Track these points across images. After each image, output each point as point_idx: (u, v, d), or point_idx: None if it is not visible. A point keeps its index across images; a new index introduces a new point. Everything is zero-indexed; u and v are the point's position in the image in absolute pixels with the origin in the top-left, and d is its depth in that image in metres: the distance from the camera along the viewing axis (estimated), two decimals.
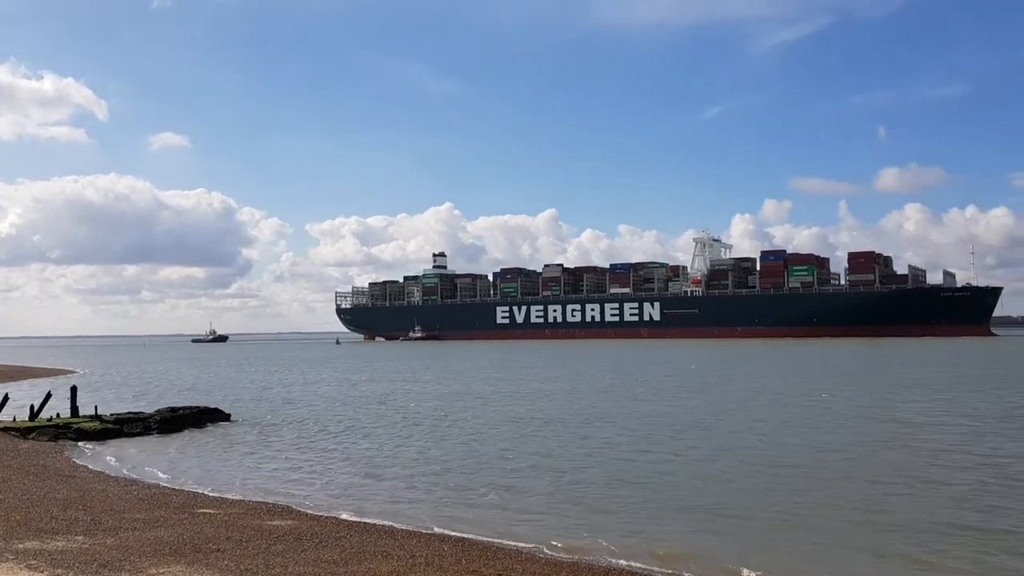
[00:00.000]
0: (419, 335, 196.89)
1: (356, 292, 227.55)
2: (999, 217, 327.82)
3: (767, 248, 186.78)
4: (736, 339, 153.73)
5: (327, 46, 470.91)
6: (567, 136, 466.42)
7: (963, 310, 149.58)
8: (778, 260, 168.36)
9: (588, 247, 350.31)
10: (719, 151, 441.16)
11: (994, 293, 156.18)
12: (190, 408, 34.79)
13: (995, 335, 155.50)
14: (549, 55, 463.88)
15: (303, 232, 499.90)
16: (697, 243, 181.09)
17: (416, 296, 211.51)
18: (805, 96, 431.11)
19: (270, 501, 19.05)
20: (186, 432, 31.31)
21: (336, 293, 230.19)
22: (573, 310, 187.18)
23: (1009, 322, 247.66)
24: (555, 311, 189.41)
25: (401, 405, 39.82)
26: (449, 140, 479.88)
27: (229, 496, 19.78)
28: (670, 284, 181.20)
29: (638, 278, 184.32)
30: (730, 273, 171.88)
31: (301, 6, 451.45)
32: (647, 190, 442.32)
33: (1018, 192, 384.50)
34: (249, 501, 19.11)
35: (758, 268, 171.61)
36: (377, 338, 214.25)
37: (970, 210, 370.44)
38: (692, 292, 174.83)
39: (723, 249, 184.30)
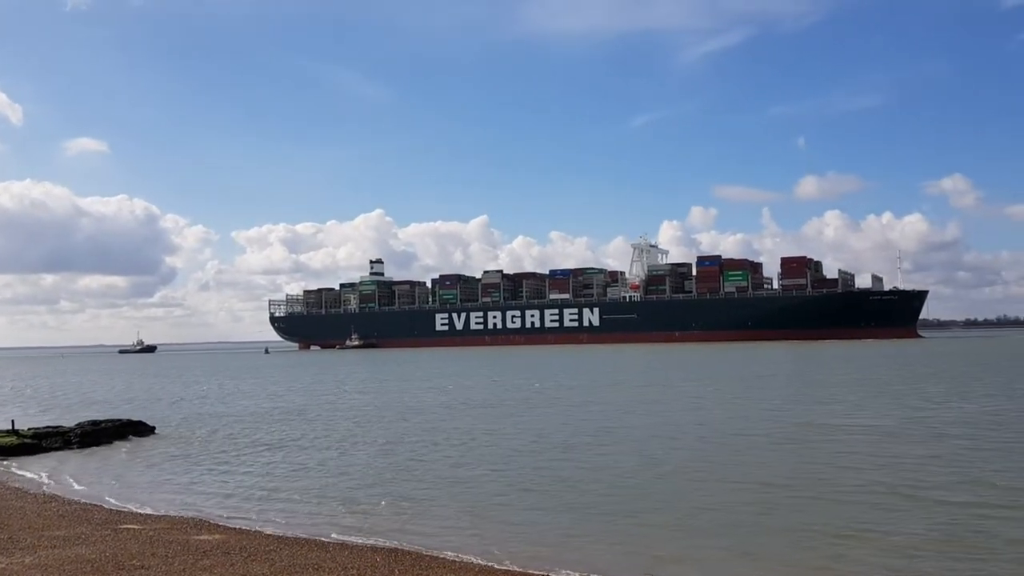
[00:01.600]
0: (356, 343, 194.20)
1: (290, 300, 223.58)
2: (913, 223, 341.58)
3: (695, 254, 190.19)
4: (673, 343, 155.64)
5: (253, 50, 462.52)
6: (498, 142, 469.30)
7: (891, 313, 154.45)
8: (713, 265, 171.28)
9: (520, 253, 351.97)
10: (647, 159, 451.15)
11: (920, 297, 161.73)
12: (112, 421, 33.30)
13: (922, 337, 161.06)
14: (480, 62, 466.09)
15: (229, 239, 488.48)
16: (635, 249, 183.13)
17: (353, 303, 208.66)
18: (729, 106, 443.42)
19: (196, 515, 18.46)
20: (108, 446, 30.07)
21: (270, 301, 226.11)
22: (513, 316, 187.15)
23: (933, 325, 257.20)
24: (495, 317, 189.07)
25: (323, 417, 38.78)
26: (379, 146, 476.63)
27: (153, 511, 19.15)
28: (609, 290, 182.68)
29: (577, 284, 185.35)
30: (667, 278, 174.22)
31: (225, 9, 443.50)
32: (578, 197, 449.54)
33: (931, 199, 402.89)
34: (174, 516, 18.49)
35: (694, 273, 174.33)
36: (313, 347, 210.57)
37: (886, 216, 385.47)
38: (630, 297, 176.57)
39: (660, 255, 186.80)
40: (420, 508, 18.45)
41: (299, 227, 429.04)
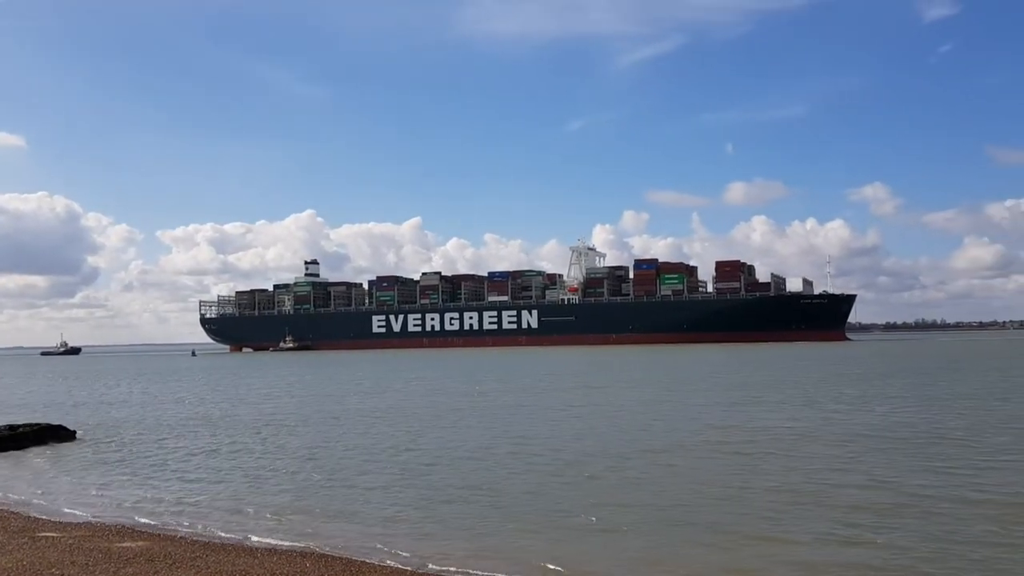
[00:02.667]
0: (291, 345, 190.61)
1: (222, 301, 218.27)
2: (836, 229, 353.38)
3: (627, 257, 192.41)
4: (611, 345, 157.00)
5: (180, 45, 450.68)
6: (432, 144, 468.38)
7: (821, 316, 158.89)
8: (650, 269, 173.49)
9: (454, 255, 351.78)
10: (581, 163, 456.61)
11: (848, 301, 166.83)
12: (31, 426, 31.51)
13: (850, 340, 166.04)
14: (414, 63, 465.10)
15: (154, 239, 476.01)
16: (573, 252, 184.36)
17: (287, 305, 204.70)
18: (661, 112, 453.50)
19: (118, 522, 17.62)
20: (26, 451, 28.51)
21: (200, 302, 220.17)
22: (451, 318, 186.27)
23: (856, 328, 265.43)
24: (433, 319, 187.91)
25: (246, 421, 37.56)
26: (312, 146, 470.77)
27: (73, 518, 18.19)
28: (547, 292, 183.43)
29: (516, 286, 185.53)
30: (605, 281, 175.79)
31: (153, 2, 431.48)
32: (512, 199, 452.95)
33: (853, 206, 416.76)
34: (96, 522, 17.60)
35: (632, 276, 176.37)
36: (245, 349, 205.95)
37: (810, 222, 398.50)
38: (569, 300, 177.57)
39: (598, 258, 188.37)
40: (346, 514, 17.92)
41: (227, 227, 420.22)
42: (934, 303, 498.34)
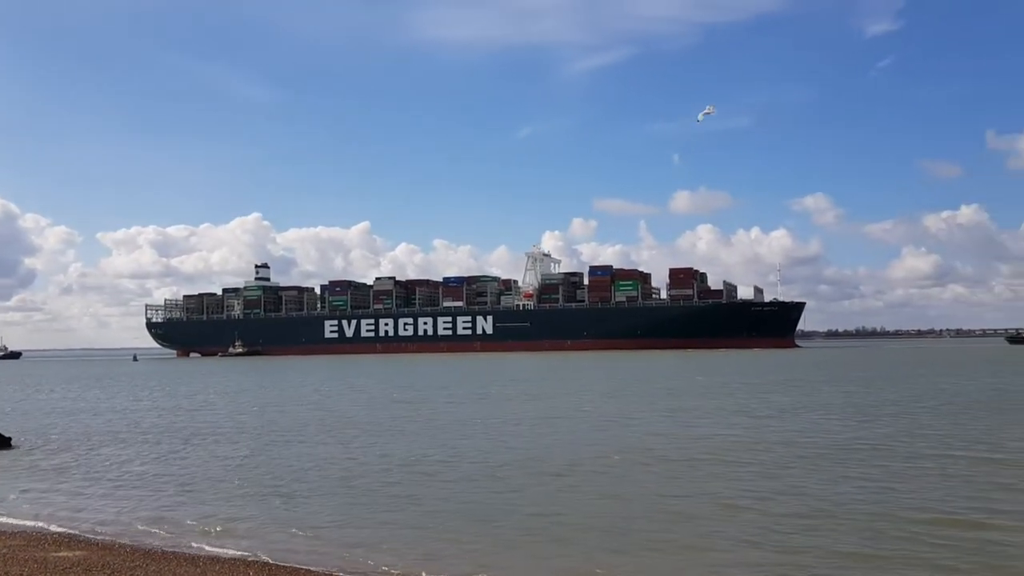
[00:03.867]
0: (240, 351, 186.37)
1: (169, 305, 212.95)
2: (779, 238, 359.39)
3: (575, 264, 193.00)
4: (566, 351, 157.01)
5: (123, 43, 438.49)
6: (382, 149, 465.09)
7: (772, 323, 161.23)
8: (605, 275, 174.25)
9: (403, 260, 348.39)
10: (531, 170, 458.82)
11: (798, 308, 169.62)
12: None
13: (799, 347, 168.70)
14: (364, 67, 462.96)
15: (94, 241, 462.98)
16: (528, 258, 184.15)
17: (237, 309, 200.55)
18: (609, 121, 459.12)
19: (55, 530, 16.98)
20: None
21: (147, 306, 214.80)
22: (405, 324, 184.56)
23: (798, 335, 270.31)
24: (387, 325, 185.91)
25: (187, 428, 36.27)
26: (258, 149, 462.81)
27: (8, 527, 17.39)
28: (502, 298, 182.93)
29: (471, 292, 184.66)
30: (560, 287, 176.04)
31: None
32: (462, 205, 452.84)
33: (795, 216, 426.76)
34: (31, 531, 16.93)
35: (586, 283, 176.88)
36: (192, 354, 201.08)
37: (755, 231, 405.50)
38: (524, 306, 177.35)
39: (552, 264, 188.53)
40: (285, 522, 17.41)
41: (171, 229, 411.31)
42: (874, 311, 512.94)
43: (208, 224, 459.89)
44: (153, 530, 16.97)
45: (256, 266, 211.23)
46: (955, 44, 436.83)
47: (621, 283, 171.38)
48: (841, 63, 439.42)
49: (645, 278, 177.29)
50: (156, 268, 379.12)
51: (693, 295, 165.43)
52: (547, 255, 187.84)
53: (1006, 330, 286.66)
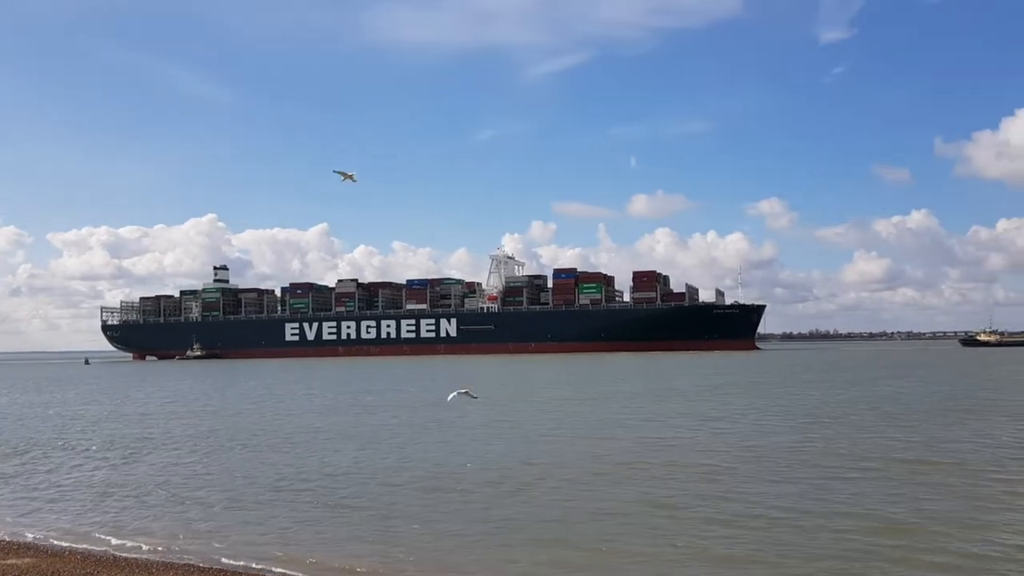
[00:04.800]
0: (198, 354, 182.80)
1: (125, 307, 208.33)
2: (735, 242, 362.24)
3: (535, 267, 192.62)
4: (530, 354, 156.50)
5: (73, 40, 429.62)
6: (340, 150, 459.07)
7: (733, 326, 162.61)
8: (570, 278, 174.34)
9: (362, 263, 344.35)
10: (491, 172, 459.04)
11: (758, 311, 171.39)
12: None
13: (760, 349, 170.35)
14: (322, 68, 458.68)
15: (44, 242, 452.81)
16: (492, 260, 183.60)
17: (195, 312, 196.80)
18: (569, 124, 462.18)
19: (2, 538, 16.38)
20: None
21: (102, 308, 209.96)
22: (368, 326, 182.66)
23: (758, 337, 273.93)
24: (349, 327, 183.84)
25: (133, 433, 35.10)
26: (214, 149, 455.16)
27: None
28: (466, 300, 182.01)
29: (435, 294, 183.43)
30: (524, 290, 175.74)
31: None
32: (422, 207, 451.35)
33: (751, 220, 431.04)
34: None
35: (550, 286, 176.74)
36: (149, 357, 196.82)
37: (711, 235, 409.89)
38: (488, 308, 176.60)
39: (516, 267, 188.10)
40: (229, 528, 17.09)
41: (123, 230, 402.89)
42: (827, 314, 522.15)
43: (162, 225, 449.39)
44: (102, 536, 16.48)
45: (215, 268, 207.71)
46: (905, 53, 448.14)
47: (585, 286, 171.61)
48: (797, 69, 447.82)
49: (609, 281, 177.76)
50: (108, 270, 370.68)
51: (656, 298, 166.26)
52: (511, 258, 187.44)
53: (955, 333, 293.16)
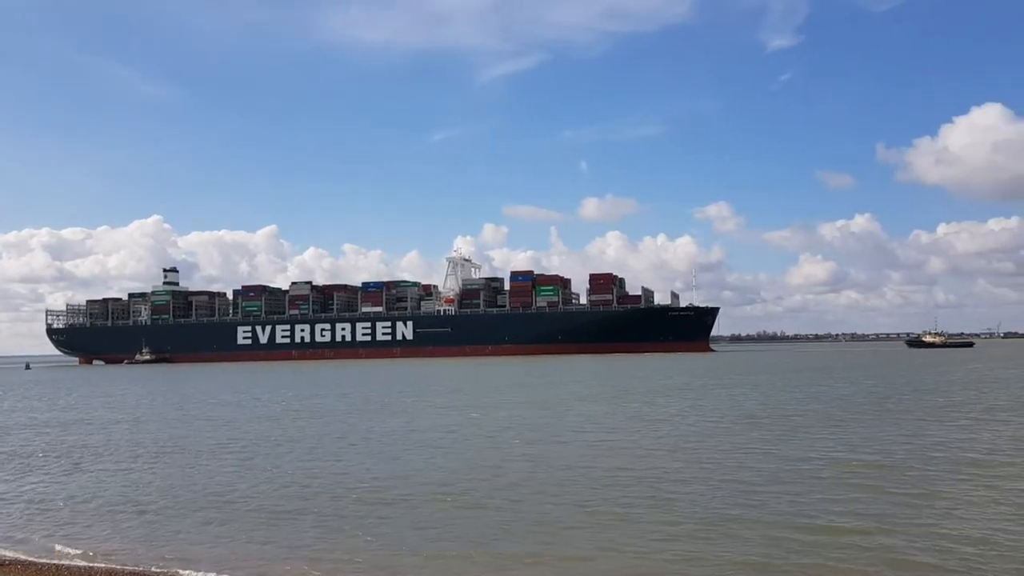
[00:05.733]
0: (148, 358, 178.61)
1: (71, 311, 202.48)
2: (684, 245, 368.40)
3: (487, 269, 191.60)
4: (486, 357, 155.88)
5: (10, 38, 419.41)
6: (290, 151, 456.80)
7: (688, 328, 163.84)
8: (527, 280, 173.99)
9: (312, 265, 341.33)
10: (443, 175, 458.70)
11: (712, 313, 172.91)
12: None
13: (713, 350, 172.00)
14: (273, 67, 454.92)
15: None
16: (449, 263, 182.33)
17: (144, 315, 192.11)
18: (521, 127, 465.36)
19: None
20: None
21: (47, 311, 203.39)
22: (322, 330, 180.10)
23: (715, 339, 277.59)
24: (303, 331, 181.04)
25: (70, 440, 33.81)
26: (159, 149, 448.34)
27: None
28: (423, 303, 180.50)
29: (391, 297, 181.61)
30: (481, 292, 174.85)
31: None
32: (373, 210, 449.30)
33: (699, 224, 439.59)
34: None
35: (507, 288, 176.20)
36: (95, 361, 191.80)
37: (661, 238, 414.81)
38: (445, 311, 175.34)
39: (473, 269, 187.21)
40: (161, 535, 16.57)
41: (65, 232, 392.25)
42: (774, 316, 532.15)
43: (105, 227, 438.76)
44: (63, 545, 16.02)
45: (164, 270, 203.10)
46: (849, 61, 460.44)
47: (542, 288, 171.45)
48: (745, 75, 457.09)
49: (566, 283, 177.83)
50: (49, 272, 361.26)
51: (612, 300, 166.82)
52: (468, 260, 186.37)
53: (898, 334, 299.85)
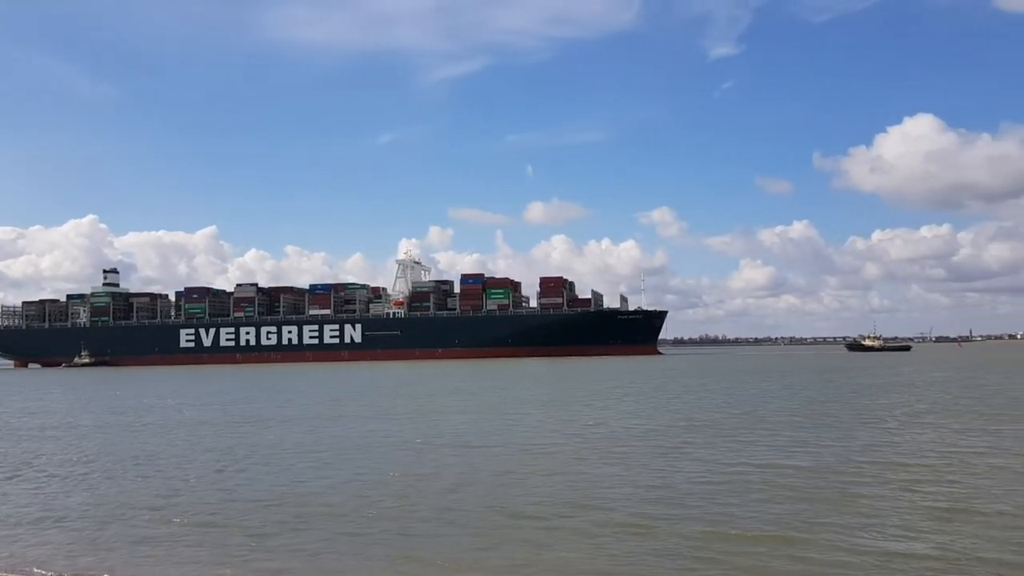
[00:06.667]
0: (87, 360, 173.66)
1: (6, 312, 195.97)
2: (628, 250, 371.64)
3: (433, 272, 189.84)
4: (436, 359, 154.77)
5: None
6: (231, 151, 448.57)
7: (636, 331, 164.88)
8: (477, 283, 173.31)
9: (253, 267, 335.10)
10: (387, 177, 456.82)
11: (661, 316, 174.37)
12: None
13: (662, 354, 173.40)
14: (212, 66, 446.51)
15: None
16: (399, 265, 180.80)
17: (83, 317, 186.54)
18: (466, 130, 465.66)
19: None
20: None
21: None
22: (268, 332, 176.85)
23: (660, 342, 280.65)
24: (248, 333, 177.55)
25: (33, 448, 32.13)
26: (94, 147, 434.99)
27: None
28: (372, 306, 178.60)
29: (339, 299, 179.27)
30: (431, 295, 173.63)
31: None
32: (316, 211, 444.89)
33: (643, 228, 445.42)
34: None
35: (458, 291, 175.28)
36: (31, 365, 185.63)
37: (605, 242, 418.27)
38: (394, 314, 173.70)
39: (423, 271, 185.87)
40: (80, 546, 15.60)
41: None
42: (715, 320, 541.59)
43: (39, 226, 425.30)
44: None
45: (104, 271, 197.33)
46: (789, 70, 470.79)
47: (493, 291, 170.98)
48: (688, 83, 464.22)
49: (516, 287, 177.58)
50: None
51: (563, 303, 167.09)
52: (418, 263, 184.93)
53: (835, 338, 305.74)
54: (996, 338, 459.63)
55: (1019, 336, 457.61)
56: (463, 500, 18.42)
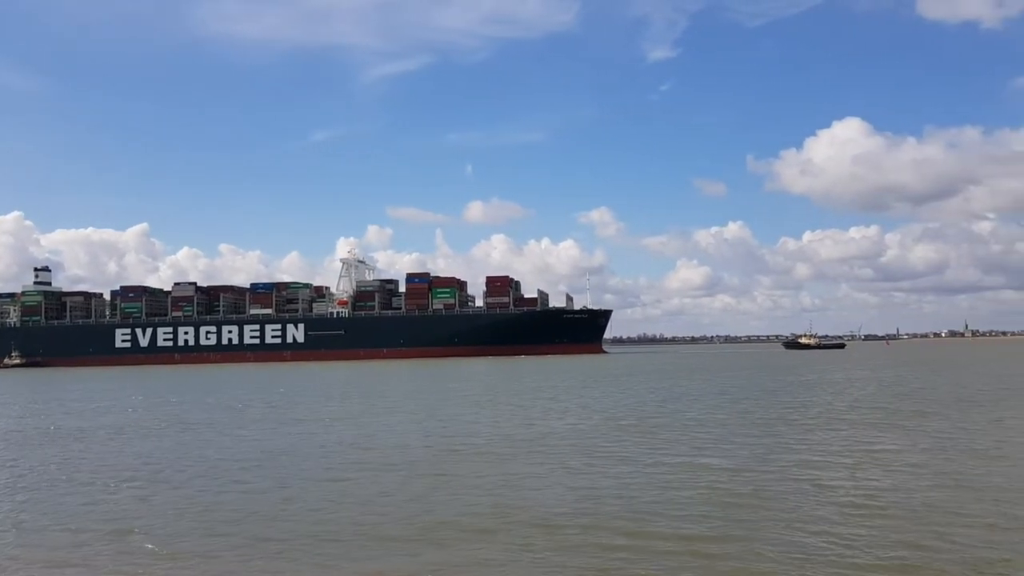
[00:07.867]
0: (17, 361, 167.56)
1: None
2: (567, 249, 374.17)
3: (370, 272, 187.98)
4: (380, 360, 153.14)
5: None
6: (162, 147, 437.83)
7: (582, 330, 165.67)
8: (423, 283, 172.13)
9: (185, 266, 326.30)
10: (325, 175, 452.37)
11: (606, 315, 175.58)
12: None
13: (607, 352, 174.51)
14: (142, 60, 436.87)
15: None
16: (344, 264, 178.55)
17: (13, 316, 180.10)
18: (405, 129, 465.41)
19: None
20: None
21: None
22: (208, 332, 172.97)
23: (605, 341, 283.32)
24: (186, 333, 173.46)
25: None
26: (18, 142, 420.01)
27: None
28: (315, 305, 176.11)
29: (281, 299, 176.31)
30: (376, 295, 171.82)
31: None
32: (250, 209, 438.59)
33: (582, 228, 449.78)
34: None
35: (403, 290, 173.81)
36: None
37: (545, 242, 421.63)
38: (338, 313, 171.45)
39: (368, 271, 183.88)
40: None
41: None
42: (653, 319, 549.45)
43: None
44: None
45: (35, 269, 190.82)
46: (724, 74, 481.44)
47: (438, 291, 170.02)
48: (626, 85, 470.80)
49: (462, 286, 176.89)
50: None
51: (509, 303, 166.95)
52: (362, 262, 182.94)
53: (768, 336, 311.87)
54: (922, 336, 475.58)
55: (943, 335, 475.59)
56: (380, 506, 17.86)
